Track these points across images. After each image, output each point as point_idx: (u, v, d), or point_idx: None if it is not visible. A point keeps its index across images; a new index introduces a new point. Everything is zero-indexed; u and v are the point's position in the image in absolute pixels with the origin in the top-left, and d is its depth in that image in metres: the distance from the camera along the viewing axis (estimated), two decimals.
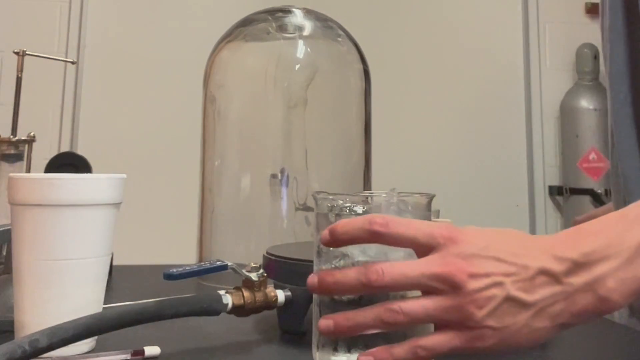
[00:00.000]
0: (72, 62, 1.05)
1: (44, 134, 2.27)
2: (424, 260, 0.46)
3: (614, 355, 0.64)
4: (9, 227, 0.60)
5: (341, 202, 0.52)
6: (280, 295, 0.63)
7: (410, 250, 0.48)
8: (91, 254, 0.57)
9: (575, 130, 2.50)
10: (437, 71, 2.61)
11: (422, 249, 0.47)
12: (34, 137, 0.86)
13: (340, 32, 1.06)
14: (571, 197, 2.48)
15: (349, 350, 0.50)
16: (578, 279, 0.46)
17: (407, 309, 0.45)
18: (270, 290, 0.62)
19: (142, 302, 0.57)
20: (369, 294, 0.48)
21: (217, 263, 0.63)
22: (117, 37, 2.48)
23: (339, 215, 0.51)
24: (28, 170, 0.85)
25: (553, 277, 0.46)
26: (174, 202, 2.22)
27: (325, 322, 0.47)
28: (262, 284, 0.62)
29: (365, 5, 2.58)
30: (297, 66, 1.05)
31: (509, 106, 2.66)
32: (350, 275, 0.46)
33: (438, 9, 2.67)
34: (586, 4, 2.67)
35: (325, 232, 0.48)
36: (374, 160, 1.07)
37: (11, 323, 0.58)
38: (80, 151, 1.33)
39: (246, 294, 0.61)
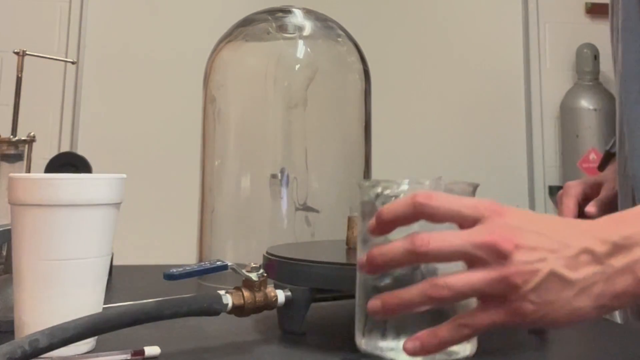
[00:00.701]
0: (72, 62, 1.05)
1: (44, 134, 2.27)
2: (470, 230, 0.46)
3: (614, 355, 0.64)
4: (9, 227, 0.60)
5: (383, 189, 0.52)
6: (280, 295, 0.63)
7: (455, 227, 0.47)
8: (91, 254, 0.57)
9: (575, 130, 2.50)
10: (437, 71, 2.61)
11: (467, 221, 0.47)
12: (34, 137, 0.86)
13: (340, 32, 1.06)
14: None
15: (398, 336, 0.49)
16: (618, 261, 0.46)
17: (452, 283, 0.45)
18: (270, 290, 0.62)
19: (142, 302, 0.57)
20: (413, 275, 0.48)
21: (217, 263, 0.63)
22: (117, 37, 2.48)
23: (385, 204, 0.51)
24: (28, 170, 0.85)
25: (595, 256, 0.46)
26: (174, 202, 2.22)
27: (374, 302, 0.47)
28: (262, 284, 0.62)
29: (365, 5, 2.58)
30: (297, 66, 1.05)
31: (509, 106, 2.66)
32: (396, 244, 0.46)
33: (438, 9, 2.67)
34: (586, 4, 2.67)
35: (371, 221, 0.48)
36: (374, 160, 1.07)
37: (11, 323, 0.58)
38: (80, 151, 1.34)
39: (246, 294, 0.61)
